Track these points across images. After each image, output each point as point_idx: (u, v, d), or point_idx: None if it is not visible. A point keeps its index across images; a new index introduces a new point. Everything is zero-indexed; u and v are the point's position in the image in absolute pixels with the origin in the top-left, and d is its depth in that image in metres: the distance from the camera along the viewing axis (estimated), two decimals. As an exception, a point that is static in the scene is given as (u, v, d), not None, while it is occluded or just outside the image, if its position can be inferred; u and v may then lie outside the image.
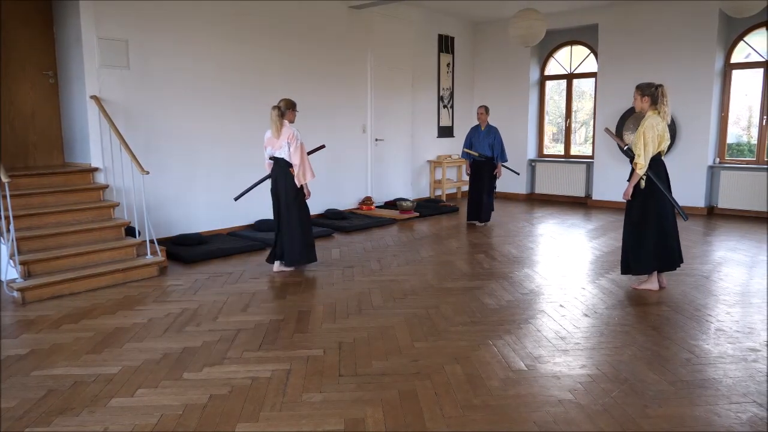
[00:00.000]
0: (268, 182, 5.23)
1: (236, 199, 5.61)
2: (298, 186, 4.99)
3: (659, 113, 4.23)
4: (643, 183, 4.30)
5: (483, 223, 7.41)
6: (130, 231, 5.41)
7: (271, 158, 5.06)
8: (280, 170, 5.01)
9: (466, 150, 7.33)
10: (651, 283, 4.53)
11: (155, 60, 5.95)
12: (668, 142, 4.31)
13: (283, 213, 5.05)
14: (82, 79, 5.47)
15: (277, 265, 5.18)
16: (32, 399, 2.81)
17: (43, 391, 2.90)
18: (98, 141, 5.53)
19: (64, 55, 5.69)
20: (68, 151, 5.91)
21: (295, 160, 4.92)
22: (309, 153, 5.22)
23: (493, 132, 7.21)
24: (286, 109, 4.99)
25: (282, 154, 4.97)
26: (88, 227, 5.04)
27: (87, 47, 5.41)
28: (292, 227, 5.04)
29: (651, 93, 4.24)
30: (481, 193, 7.27)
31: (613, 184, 8.94)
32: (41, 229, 4.85)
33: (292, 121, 5.03)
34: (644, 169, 4.22)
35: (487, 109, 7.30)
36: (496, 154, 7.18)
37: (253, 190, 5.59)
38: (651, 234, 4.35)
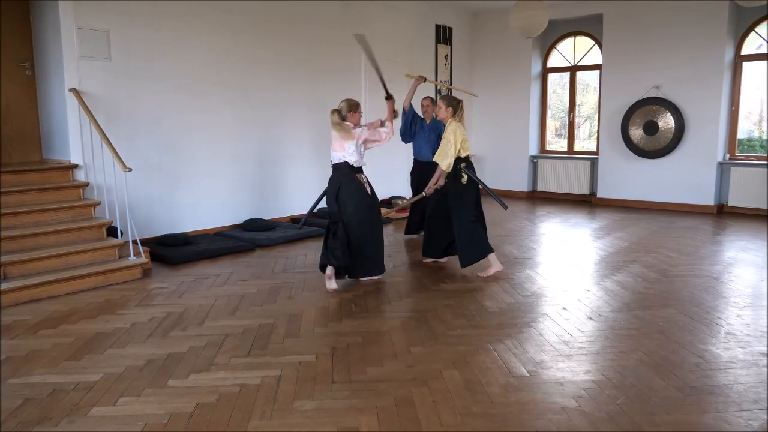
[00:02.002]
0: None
1: (300, 227, 5.90)
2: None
3: (460, 121, 5.06)
4: (464, 179, 5.01)
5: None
6: (112, 231, 5.39)
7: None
8: (345, 177, 4.70)
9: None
10: (496, 266, 5.08)
11: (138, 51, 5.92)
12: (469, 145, 5.15)
13: (354, 226, 4.69)
14: (60, 71, 5.44)
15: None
16: (8, 408, 2.79)
17: (20, 400, 2.88)
18: (78, 136, 5.50)
19: (41, 45, 5.66)
20: (46, 146, 5.88)
21: (379, 136, 4.79)
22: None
23: (439, 127, 6.18)
24: (348, 112, 4.72)
25: (345, 156, 4.69)
26: (68, 227, 5.02)
27: (66, 37, 5.38)
28: (368, 238, 4.76)
29: (453, 105, 5.06)
30: (425, 203, 5.96)
31: (619, 181, 8.97)
32: (18, 229, 4.83)
33: (357, 124, 4.77)
34: (449, 166, 4.97)
35: (433, 100, 6.37)
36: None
37: (244, 189, 5.58)
38: (476, 223, 5.08)
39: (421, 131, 6.41)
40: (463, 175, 5.02)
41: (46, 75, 5.67)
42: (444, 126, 6.03)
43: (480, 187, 5.15)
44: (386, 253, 5.87)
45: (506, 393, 2.91)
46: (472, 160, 5.28)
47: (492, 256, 5.08)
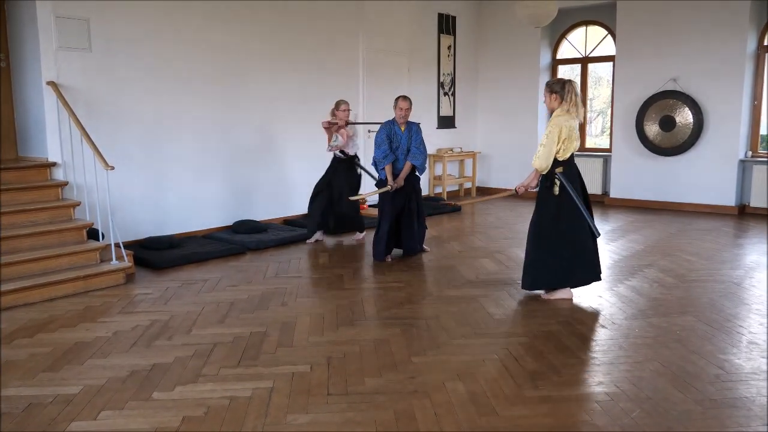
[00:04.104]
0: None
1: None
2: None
3: (568, 111, 4.38)
4: (556, 189, 4.40)
5: (416, 252, 6.02)
6: (93, 233, 5.39)
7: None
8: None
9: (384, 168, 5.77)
10: (564, 293, 4.56)
11: (121, 41, 5.93)
12: (577, 143, 4.44)
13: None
14: (37, 62, 5.44)
15: (319, 235, 6.64)
16: (-18, 423, 2.79)
17: (-6, 413, 2.88)
18: (56, 132, 5.50)
19: (16, 35, 5.66)
20: (22, 143, 5.88)
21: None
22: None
23: (414, 131, 5.83)
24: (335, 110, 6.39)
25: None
26: (45, 229, 5.01)
27: (43, 27, 5.38)
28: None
29: (558, 90, 4.40)
30: (409, 217, 5.84)
31: (634, 180, 8.98)
32: (-8, 231, 4.83)
33: (339, 120, 6.35)
34: (544, 169, 4.40)
35: (411, 101, 5.82)
36: (418, 164, 5.79)
37: (234, 189, 5.55)
38: (564, 246, 4.43)
39: (396, 140, 5.77)
40: (556, 182, 4.38)
41: (22, 67, 5.67)
42: (416, 129, 5.84)
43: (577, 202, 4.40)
44: (387, 258, 5.89)
45: (513, 406, 2.91)
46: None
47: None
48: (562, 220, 4.43)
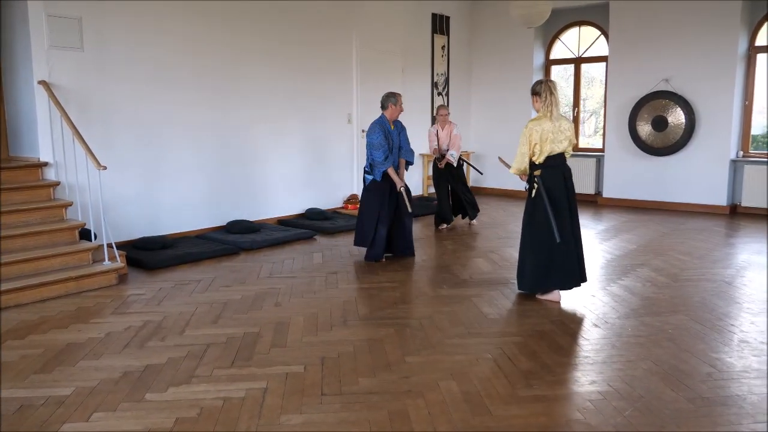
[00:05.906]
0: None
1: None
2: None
3: (545, 113, 4.35)
4: (532, 192, 4.42)
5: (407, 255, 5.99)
6: (85, 234, 5.36)
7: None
8: None
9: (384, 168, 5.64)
10: (552, 295, 4.52)
11: (113, 40, 5.90)
12: (555, 145, 4.36)
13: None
14: (29, 61, 5.41)
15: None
16: (-27, 424, 2.78)
17: (-14, 415, 2.87)
18: (48, 132, 5.47)
19: (7, 34, 5.63)
20: (13, 143, 5.85)
21: None
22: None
23: (401, 128, 5.84)
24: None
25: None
26: (37, 230, 4.99)
27: (34, 26, 5.35)
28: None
29: (538, 91, 4.39)
30: (399, 218, 5.83)
31: (626, 180, 9.01)
32: (-17, 231, 4.80)
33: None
34: (520, 173, 4.51)
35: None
36: (412, 159, 5.93)
37: (227, 188, 5.55)
38: (539, 249, 4.44)
39: (392, 144, 5.75)
40: (534, 185, 4.40)
41: (13, 66, 5.64)
42: (401, 127, 5.84)
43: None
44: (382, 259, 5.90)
45: (507, 405, 2.92)
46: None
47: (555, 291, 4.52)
48: (535, 223, 4.45)
